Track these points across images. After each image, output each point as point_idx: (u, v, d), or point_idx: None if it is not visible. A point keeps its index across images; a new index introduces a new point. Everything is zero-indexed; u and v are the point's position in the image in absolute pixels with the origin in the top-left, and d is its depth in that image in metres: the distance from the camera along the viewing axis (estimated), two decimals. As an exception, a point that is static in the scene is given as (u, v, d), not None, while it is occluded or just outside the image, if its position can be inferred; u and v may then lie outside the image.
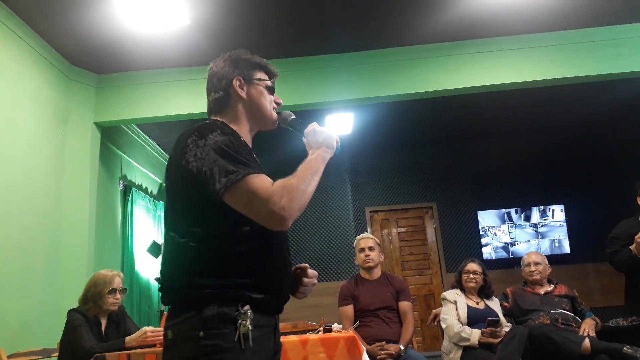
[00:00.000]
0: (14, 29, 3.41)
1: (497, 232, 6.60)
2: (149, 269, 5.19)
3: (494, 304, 3.63)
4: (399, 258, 6.78)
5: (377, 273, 3.68)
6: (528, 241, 6.56)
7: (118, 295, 2.93)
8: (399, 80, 4.26)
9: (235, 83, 1.47)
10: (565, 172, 6.73)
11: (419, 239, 6.84)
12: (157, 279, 4.81)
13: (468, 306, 3.55)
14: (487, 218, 6.63)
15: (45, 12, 3.40)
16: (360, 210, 6.87)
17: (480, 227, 6.61)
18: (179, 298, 1.27)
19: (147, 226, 5.41)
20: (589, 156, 6.68)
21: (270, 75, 1.54)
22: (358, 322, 3.45)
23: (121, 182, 5.01)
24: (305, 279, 1.47)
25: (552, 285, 3.74)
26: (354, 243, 3.78)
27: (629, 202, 3.60)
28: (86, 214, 3.98)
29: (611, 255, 3.48)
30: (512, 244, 6.58)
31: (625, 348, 3.09)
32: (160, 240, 5.14)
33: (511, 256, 6.49)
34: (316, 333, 2.83)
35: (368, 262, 3.63)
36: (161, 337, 2.44)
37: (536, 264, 3.74)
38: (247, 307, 1.22)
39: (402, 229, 6.88)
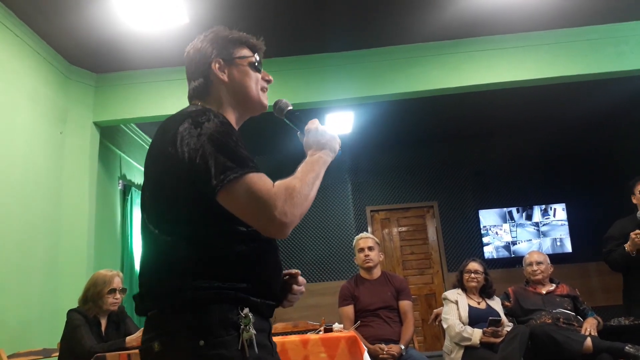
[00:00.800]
0: (12, 28, 3.40)
1: (498, 231, 6.58)
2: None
3: (496, 304, 3.62)
4: (399, 257, 6.76)
5: (377, 273, 3.67)
6: (530, 240, 6.54)
7: (118, 295, 2.93)
8: (399, 78, 4.25)
9: (215, 66, 1.30)
10: (567, 170, 6.70)
11: (420, 239, 6.81)
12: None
13: (469, 306, 3.53)
14: (488, 217, 6.61)
15: (43, 11, 3.39)
16: (360, 210, 6.84)
17: (481, 226, 6.58)
18: (169, 303, 1.10)
19: (147, 226, 5.39)
20: (590, 154, 6.65)
21: (254, 49, 1.36)
22: (359, 322, 3.43)
23: (120, 181, 5.00)
24: (295, 287, 1.32)
25: (554, 285, 3.72)
26: (353, 243, 3.77)
27: (629, 201, 3.60)
28: (85, 214, 3.97)
29: (606, 255, 3.51)
30: (514, 243, 6.56)
31: (627, 347, 3.09)
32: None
33: (513, 255, 6.47)
34: (317, 333, 2.82)
35: (367, 262, 3.62)
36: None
37: (538, 263, 3.73)
38: (246, 309, 1.11)
39: (403, 229, 6.86)
